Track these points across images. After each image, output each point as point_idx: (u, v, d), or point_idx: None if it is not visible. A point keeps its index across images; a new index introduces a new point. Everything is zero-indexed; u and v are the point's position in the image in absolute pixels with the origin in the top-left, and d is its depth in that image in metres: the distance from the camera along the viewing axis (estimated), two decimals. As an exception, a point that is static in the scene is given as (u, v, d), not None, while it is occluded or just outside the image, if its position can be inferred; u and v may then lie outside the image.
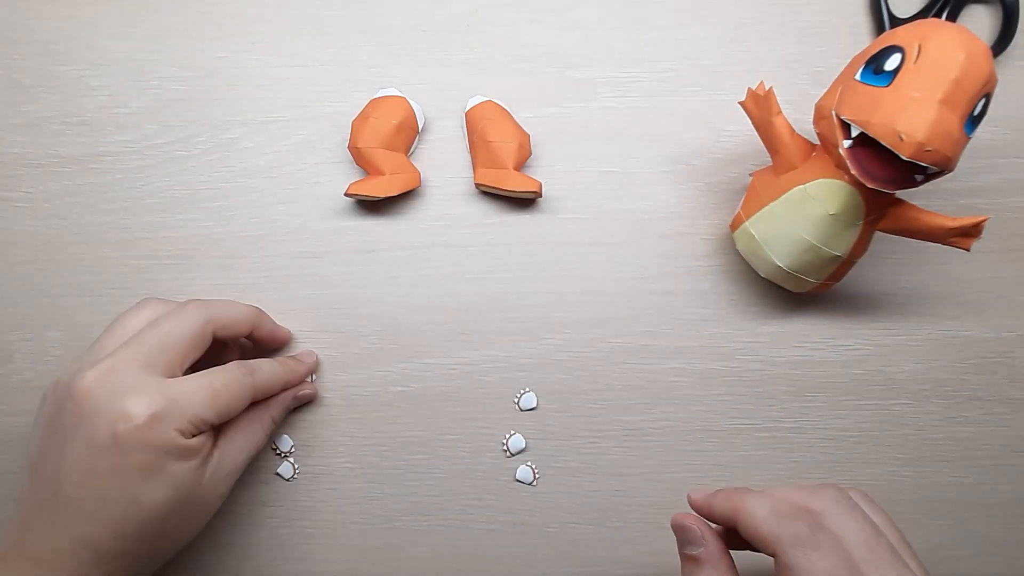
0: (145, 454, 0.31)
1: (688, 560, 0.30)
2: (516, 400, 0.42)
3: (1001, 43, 0.43)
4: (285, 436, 0.41)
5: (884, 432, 0.42)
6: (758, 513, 0.28)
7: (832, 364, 0.42)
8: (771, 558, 0.28)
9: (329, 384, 0.42)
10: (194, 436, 0.33)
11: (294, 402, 0.40)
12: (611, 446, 0.41)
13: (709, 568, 0.29)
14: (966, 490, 0.41)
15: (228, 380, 0.34)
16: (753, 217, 0.38)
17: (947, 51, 0.31)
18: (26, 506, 0.32)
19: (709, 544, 0.29)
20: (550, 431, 0.41)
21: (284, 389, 0.39)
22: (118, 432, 0.31)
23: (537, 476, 0.41)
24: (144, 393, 0.31)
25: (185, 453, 0.32)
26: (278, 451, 0.41)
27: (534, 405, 0.41)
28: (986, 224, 0.34)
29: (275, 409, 0.39)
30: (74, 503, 0.31)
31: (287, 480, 0.41)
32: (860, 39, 0.43)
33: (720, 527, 0.31)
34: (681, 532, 0.30)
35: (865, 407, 0.42)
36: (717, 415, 0.42)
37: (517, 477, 0.41)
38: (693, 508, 0.31)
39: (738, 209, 0.39)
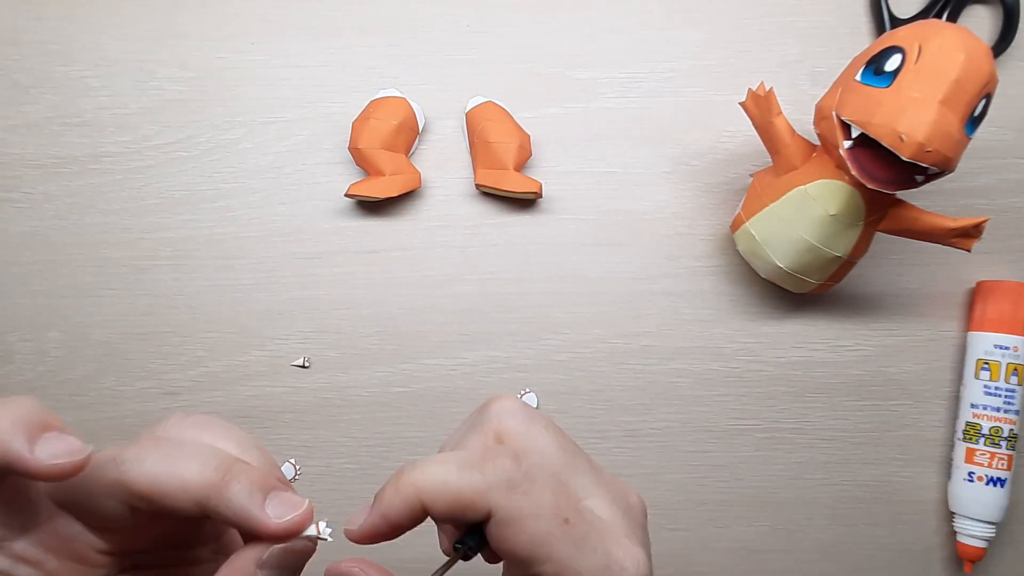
0: None
1: None
2: (516, 400, 0.42)
3: (1001, 43, 0.43)
4: (288, 464, 0.41)
5: (884, 432, 0.42)
6: (449, 477, 0.21)
7: (832, 364, 0.42)
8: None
9: (329, 384, 0.42)
10: None
11: (268, 573, 0.22)
12: (611, 446, 0.41)
13: None
14: (966, 491, 0.41)
15: None
16: (753, 217, 0.38)
17: (947, 52, 0.31)
18: None
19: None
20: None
21: None
22: None
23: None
24: None
25: None
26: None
27: (534, 406, 0.41)
28: (986, 224, 0.34)
29: None
30: None
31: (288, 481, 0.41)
32: (860, 40, 0.43)
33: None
34: None
35: (866, 408, 0.42)
36: (717, 415, 0.42)
37: (517, 478, 0.41)
38: (362, 540, 0.23)
39: (738, 210, 0.39)
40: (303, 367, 0.42)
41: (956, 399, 0.41)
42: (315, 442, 0.41)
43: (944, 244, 0.36)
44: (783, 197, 0.36)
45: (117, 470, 0.19)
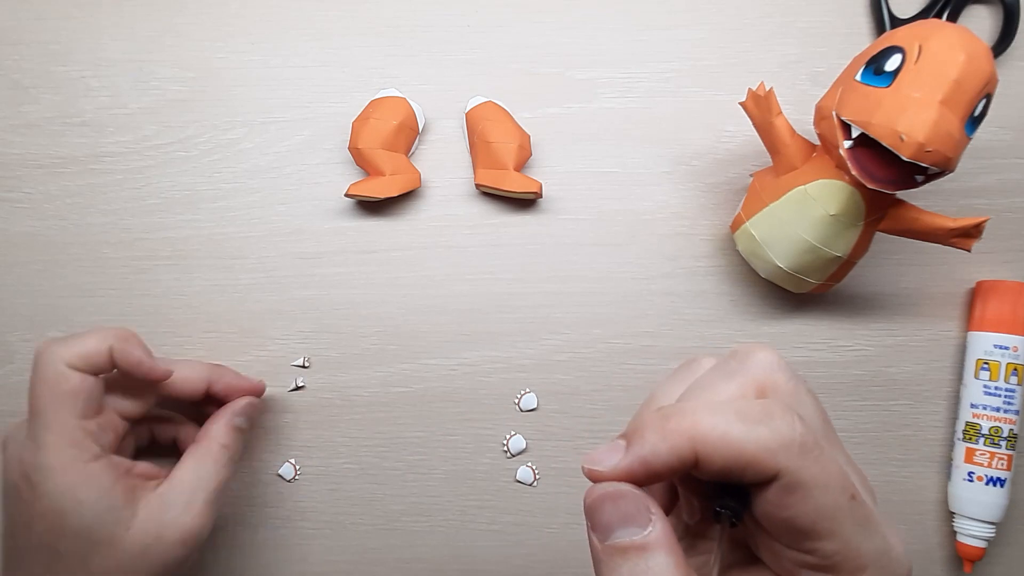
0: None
1: (624, 553, 0.19)
2: (516, 401, 0.42)
3: (1002, 43, 0.43)
4: (287, 464, 0.41)
5: (885, 433, 0.42)
6: (731, 430, 0.19)
7: (833, 365, 0.42)
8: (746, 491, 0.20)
9: (329, 384, 0.42)
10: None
11: (239, 419, 0.37)
12: (611, 447, 0.41)
13: (662, 556, 0.19)
14: (966, 491, 0.41)
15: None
16: (753, 218, 0.38)
17: (948, 51, 0.31)
18: None
19: (657, 522, 0.19)
20: (550, 432, 0.41)
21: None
22: None
23: (537, 477, 0.41)
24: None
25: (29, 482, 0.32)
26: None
27: (534, 406, 0.41)
28: (987, 224, 0.34)
29: (222, 434, 0.36)
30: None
31: (288, 481, 0.41)
32: (860, 40, 0.43)
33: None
34: (610, 507, 0.19)
35: (866, 408, 0.42)
36: (717, 415, 0.41)
37: (517, 478, 0.41)
38: (602, 481, 0.20)
39: (738, 210, 0.39)
40: (303, 367, 0.42)
41: (956, 399, 0.41)
42: (315, 442, 0.41)
43: (944, 244, 0.36)
44: (783, 197, 0.36)
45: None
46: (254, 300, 0.42)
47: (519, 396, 0.42)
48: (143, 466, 0.34)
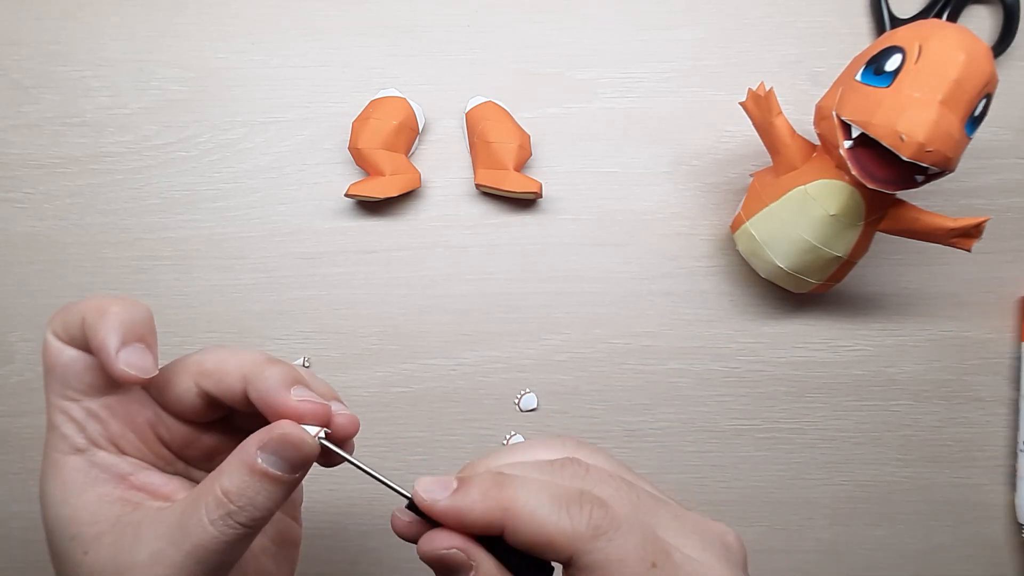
0: None
1: None
2: (516, 401, 0.42)
3: (1002, 43, 0.43)
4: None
5: (885, 433, 0.42)
6: (539, 510, 0.21)
7: (833, 365, 0.42)
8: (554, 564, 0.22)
9: (329, 384, 0.42)
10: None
11: (272, 457, 0.23)
12: (611, 447, 0.41)
13: None
14: (966, 491, 0.41)
15: None
16: (754, 218, 0.38)
17: (948, 52, 0.31)
18: None
19: (483, 564, 0.22)
20: (550, 432, 0.41)
21: None
22: None
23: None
24: None
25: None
26: None
27: (534, 406, 0.41)
28: (986, 224, 0.34)
29: (231, 476, 0.24)
30: None
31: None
32: (860, 40, 0.43)
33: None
34: (441, 565, 0.22)
35: (866, 408, 0.42)
36: (717, 416, 0.42)
37: (517, 478, 0.41)
38: (430, 515, 0.22)
39: (739, 210, 0.39)
40: (303, 367, 0.42)
41: (954, 399, 0.41)
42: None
43: (944, 244, 0.36)
44: (783, 197, 0.36)
45: (193, 358, 0.25)
46: (254, 300, 0.42)
47: (519, 396, 0.42)
48: (153, 477, 0.25)
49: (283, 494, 0.23)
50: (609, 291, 0.42)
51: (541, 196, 0.42)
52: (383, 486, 0.24)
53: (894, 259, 0.42)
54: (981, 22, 0.43)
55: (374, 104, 0.42)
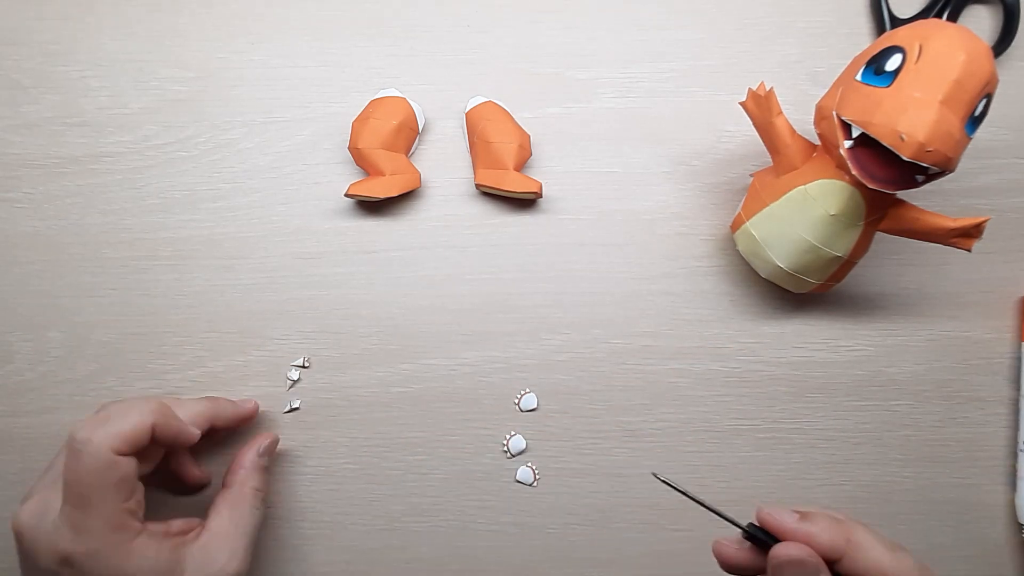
0: None
1: None
2: (516, 401, 0.42)
3: (1002, 43, 0.43)
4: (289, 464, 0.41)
5: (885, 433, 0.42)
6: (877, 547, 0.26)
7: (833, 365, 0.42)
8: None
9: (329, 385, 0.42)
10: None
11: (264, 459, 0.38)
12: (611, 447, 0.41)
13: None
14: (966, 491, 0.41)
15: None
16: (754, 218, 0.38)
17: (948, 51, 0.31)
18: None
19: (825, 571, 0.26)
20: (550, 432, 0.41)
21: None
22: None
23: (537, 477, 0.41)
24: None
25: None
26: None
27: (534, 406, 0.41)
28: (987, 224, 0.34)
29: (253, 478, 0.37)
30: None
31: (289, 481, 0.41)
32: (861, 40, 0.43)
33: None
34: (793, 568, 0.26)
35: (866, 408, 0.42)
36: (717, 416, 0.42)
37: (517, 478, 0.41)
38: (772, 528, 0.27)
39: (739, 210, 0.39)
40: (303, 367, 0.42)
41: (954, 399, 0.41)
42: (315, 442, 0.41)
43: (944, 244, 0.36)
44: (783, 197, 0.36)
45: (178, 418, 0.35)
46: (254, 300, 0.42)
47: (519, 396, 0.42)
48: (177, 523, 0.35)
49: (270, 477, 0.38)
50: (609, 291, 0.42)
51: (541, 196, 0.42)
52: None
53: (894, 259, 0.42)
54: (981, 22, 0.43)
55: (374, 104, 0.41)
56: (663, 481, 0.29)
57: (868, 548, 0.26)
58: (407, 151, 0.42)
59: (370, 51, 0.44)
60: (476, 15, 0.44)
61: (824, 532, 0.26)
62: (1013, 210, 0.42)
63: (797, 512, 0.28)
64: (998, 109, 0.41)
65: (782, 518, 0.27)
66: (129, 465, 0.32)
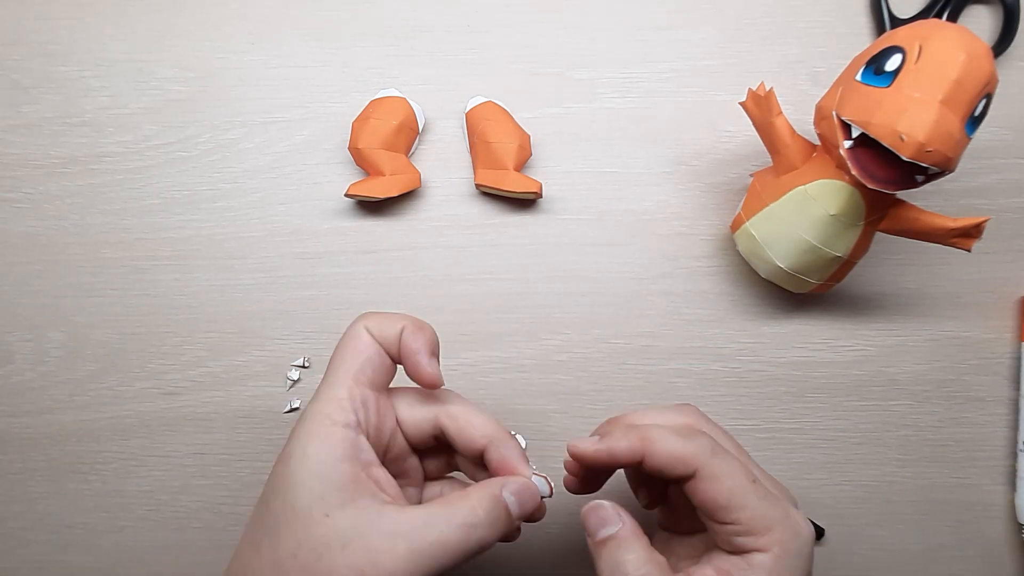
0: None
1: (606, 544, 0.28)
2: (516, 401, 0.41)
3: (1002, 43, 0.43)
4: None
5: (885, 433, 0.42)
6: (668, 439, 0.28)
7: (833, 365, 0.42)
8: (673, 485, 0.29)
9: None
10: None
11: (513, 497, 0.30)
12: (611, 447, 0.41)
13: (631, 541, 0.28)
14: (967, 491, 0.41)
15: (483, 536, 0.27)
16: (754, 218, 0.38)
17: (948, 51, 0.31)
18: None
19: (625, 520, 0.28)
20: (550, 432, 0.41)
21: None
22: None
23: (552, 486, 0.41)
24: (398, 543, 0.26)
25: None
26: None
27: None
28: (987, 225, 0.34)
29: (478, 500, 0.29)
30: None
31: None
32: (860, 40, 0.43)
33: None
34: (595, 515, 0.29)
35: (866, 408, 0.42)
36: (718, 416, 0.41)
37: (517, 478, 0.41)
38: (581, 459, 0.29)
39: (739, 210, 0.39)
40: (303, 367, 0.42)
41: (954, 399, 0.41)
42: (315, 442, 0.41)
43: (944, 244, 0.36)
44: (783, 197, 0.36)
45: (436, 396, 0.31)
46: (254, 300, 0.42)
47: (519, 396, 0.41)
48: (380, 475, 0.29)
49: (503, 532, 0.28)
50: (609, 291, 0.42)
51: (541, 196, 0.42)
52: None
53: (894, 259, 0.42)
54: (981, 22, 0.43)
55: (374, 104, 0.41)
56: None
57: (661, 441, 0.28)
58: (407, 151, 0.42)
59: (370, 51, 0.44)
60: (476, 15, 0.44)
61: (620, 441, 0.28)
62: (1013, 210, 0.42)
63: (597, 435, 0.29)
64: (998, 109, 0.41)
65: (584, 446, 0.29)
66: (369, 345, 0.30)
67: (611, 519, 0.28)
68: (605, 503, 0.29)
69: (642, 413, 0.31)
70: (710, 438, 0.28)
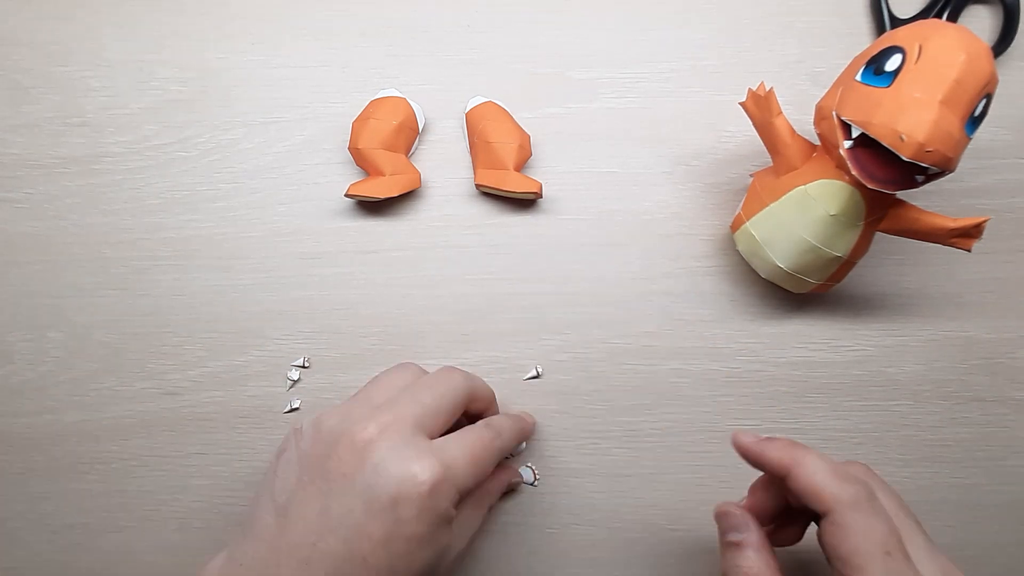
0: (420, 525, 0.29)
1: (730, 547, 0.30)
2: (517, 401, 0.41)
3: (1002, 43, 0.43)
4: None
5: (885, 433, 0.41)
6: (818, 470, 0.28)
7: (833, 365, 0.42)
8: (812, 523, 0.30)
9: (329, 385, 0.42)
10: (456, 506, 0.31)
11: (507, 487, 0.40)
12: (612, 447, 0.41)
13: (751, 552, 0.30)
14: (967, 491, 0.41)
15: (485, 445, 0.32)
16: (754, 218, 0.38)
17: (948, 52, 0.31)
18: (268, 546, 0.30)
19: (752, 530, 0.30)
20: (551, 432, 0.41)
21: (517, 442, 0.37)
22: (400, 496, 0.29)
23: (538, 477, 0.41)
24: (427, 458, 0.30)
25: (448, 524, 0.31)
26: None
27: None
28: (987, 225, 0.34)
29: (494, 495, 0.38)
30: (332, 558, 0.29)
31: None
32: (860, 40, 0.43)
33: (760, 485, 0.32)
34: (724, 519, 0.31)
35: (866, 408, 0.42)
36: (718, 416, 0.41)
37: (517, 478, 0.41)
38: (739, 449, 0.31)
39: (738, 210, 0.39)
40: (303, 367, 0.42)
41: (954, 399, 0.41)
42: (315, 442, 0.41)
43: (944, 244, 0.36)
44: (783, 197, 0.36)
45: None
46: (254, 300, 0.42)
47: (519, 396, 0.41)
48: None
49: (505, 440, 0.35)
50: (609, 291, 0.42)
51: (541, 196, 0.42)
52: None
53: (894, 259, 0.42)
54: (981, 22, 0.44)
55: (374, 104, 0.42)
56: None
57: (812, 470, 0.28)
58: (407, 151, 0.42)
59: (370, 51, 0.44)
60: (476, 15, 0.44)
61: (775, 451, 0.30)
62: (1013, 210, 0.42)
63: (763, 438, 0.31)
64: (998, 109, 0.41)
65: (744, 438, 0.31)
66: (485, 387, 0.37)
67: (740, 525, 0.30)
68: (734, 510, 0.31)
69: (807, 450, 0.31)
70: (868, 493, 0.28)
